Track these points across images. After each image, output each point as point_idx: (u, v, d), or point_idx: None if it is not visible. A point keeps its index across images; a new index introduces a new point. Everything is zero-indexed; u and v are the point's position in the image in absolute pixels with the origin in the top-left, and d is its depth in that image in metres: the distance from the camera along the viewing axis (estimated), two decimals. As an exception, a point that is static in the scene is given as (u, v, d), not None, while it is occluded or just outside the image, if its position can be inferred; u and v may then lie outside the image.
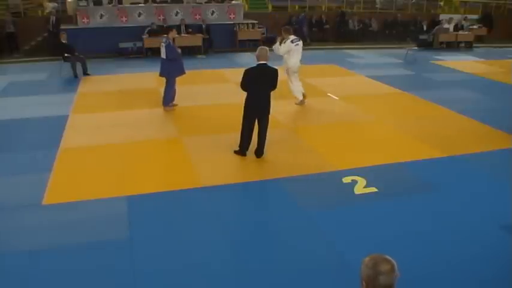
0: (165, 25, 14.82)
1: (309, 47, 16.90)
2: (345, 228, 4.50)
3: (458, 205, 4.99)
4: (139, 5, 15.33)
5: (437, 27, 17.38)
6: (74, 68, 11.28)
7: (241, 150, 6.23)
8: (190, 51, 14.21)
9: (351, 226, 4.54)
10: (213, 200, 5.07)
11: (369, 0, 20.32)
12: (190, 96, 8.37)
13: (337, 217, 4.71)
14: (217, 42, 15.29)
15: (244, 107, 6.02)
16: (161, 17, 15.06)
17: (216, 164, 6.02)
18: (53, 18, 14.44)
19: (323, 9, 19.37)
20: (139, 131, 7.35)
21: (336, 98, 9.46)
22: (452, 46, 17.24)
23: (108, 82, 10.88)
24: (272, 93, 6.06)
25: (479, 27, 18.46)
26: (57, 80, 11.18)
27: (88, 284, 3.67)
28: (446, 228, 4.52)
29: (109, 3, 15.18)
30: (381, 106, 8.95)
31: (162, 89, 8.57)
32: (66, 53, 11.45)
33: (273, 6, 19.11)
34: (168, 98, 8.39)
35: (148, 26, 14.40)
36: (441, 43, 17.27)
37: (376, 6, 20.45)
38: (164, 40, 8.20)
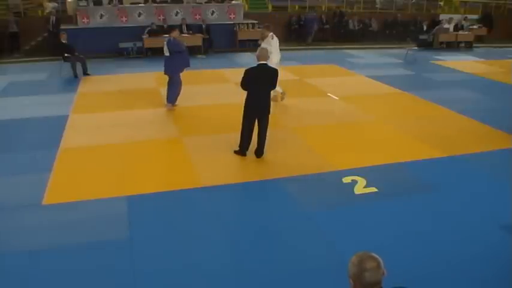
0: (165, 25, 14.83)
1: (309, 47, 16.95)
2: (345, 228, 4.50)
3: (458, 205, 4.99)
4: (139, 5, 15.33)
5: (437, 27, 17.39)
6: (74, 68, 11.28)
7: (241, 150, 6.23)
8: (190, 51, 14.13)
9: (351, 226, 4.54)
10: (213, 200, 5.07)
11: (369, 0, 20.33)
12: (191, 96, 8.37)
13: (337, 217, 4.71)
14: (217, 42, 15.29)
15: (244, 107, 6.02)
16: (161, 17, 15.06)
17: (216, 164, 6.02)
18: (53, 18, 14.44)
19: (323, 9, 19.37)
20: (140, 131, 7.35)
21: (336, 98, 9.46)
22: (452, 46, 17.25)
23: (108, 82, 10.87)
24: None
25: (479, 27, 18.46)
26: (57, 80, 11.18)
27: (88, 284, 3.67)
28: (446, 228, 4.52)
29: (109, 3, 15.18)
30: (381, 106, 8.95)
31: (162, 89, 8.58)
32: (66, 53, 11.45)
33: (273, 6, 19.12)
34: (173, 96, 8.41)
35: (148, 26, 14.40)
36: (441, 43, 17.28)
37: (376, 6, 20.46)
38: (167, 40, 8.27)
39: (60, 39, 11.63)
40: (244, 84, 5.90)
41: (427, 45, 16.63)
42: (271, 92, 6.19)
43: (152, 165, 6.03)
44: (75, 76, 11.24)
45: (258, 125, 6.11)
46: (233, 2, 16.43)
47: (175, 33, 8.48)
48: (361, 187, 5.36)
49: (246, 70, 5.91)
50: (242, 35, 15.69)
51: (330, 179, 5.60)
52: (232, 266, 3.94)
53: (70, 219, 4.64)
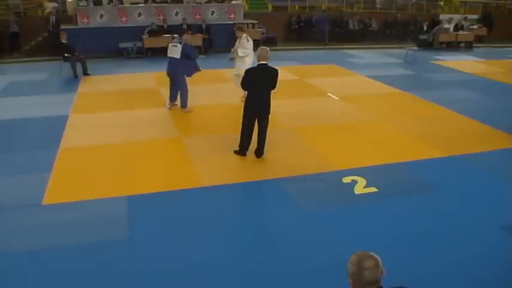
0: (165, 25, 14.85)
1: (309, 47, 16.95)
2: (345, 228, 4.50)
3: (458, 205, 4.99)
4: (139, 5, 15.33)
5: (437, 27, 17.39)
6: (74, 68, 11.28)
7: (241, 150, 6.23)
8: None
9: (351, 226, 4.54)
10: (213, 200, 5.07)
11: (369, 0, 20.33)
12: (191, 96, 8.36)
13: (337, 217, 4.71)
14: (217, 42, 15.28)
15: (244, 106, 6.03)
16: (161, 17, 15.06)
17: (216, 164, 6.01)
18: (53, 18, 14.45)
19: (323, 9, 19.36)
20: (140, 131, 7.35)
21: (336, 98, 9.45)
22: (452, 46, 17.25)
23: (108, 82, 10.88)
24: (272, 93, 6.06)
25: (479, 27, 18.47)
26: (57, 80, 11.18)
27: (88, 284, 3.67)
28: (446, 228, 4.52)
29: (109, 3, 15.18)
30: (381, 106, 8.95)
31: (162, 89, 8.55)
32: (66, 53, 11.45)
33: (273, 6, 19.11)
34: (186, 100, 8.28)
35: (148, 26, 14.40)
36: (441, 43, 17.28)
37: (376, 6, 20.46)
38: (178, 41, 8.18)
39: (60, 39, 11.64)
40: (245, 84, 5.91)
41: (427, 45, 16.64)
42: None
43: (152, 165, 6.02)
44: (75, 76, 11.25)
45: (258, 125, 6.11)
46: (233, 2, 16.43)
47: (188, 37, 8.45)
48: (361, 187, 5.36)
49: (246, 70, 5.92)
50: (242, 35, 15.67)
51: (330, 179, 5.60)
52: (232, 266, 3.94)
53: (70, 219, 4.63)
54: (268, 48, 5.94)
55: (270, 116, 6.10)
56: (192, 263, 3.93)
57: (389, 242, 4.22)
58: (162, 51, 8.38)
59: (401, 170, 5.90)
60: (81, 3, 14.66)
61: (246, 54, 8.44)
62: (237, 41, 8.63)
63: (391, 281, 2.11)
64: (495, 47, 18.01)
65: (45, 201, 5.00)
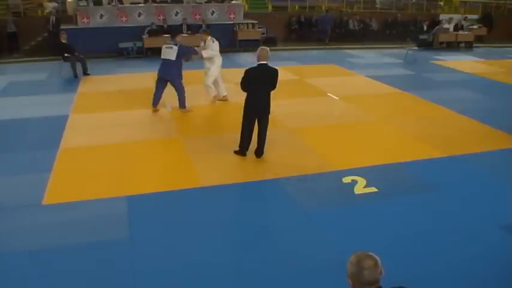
0: (165, 25, 14.84)
1: (309, 47, 16.95)
2: (345, 228, 4.50)
3: (458, 205, 4.99)
4: (139, 5, 15.33)
5: (437, 27, 17.39)
6: (74, 68, 11.28)
7: (241, 150, 6.23)
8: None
9: (351, 226, 4.54)
10: (212, 200, 5.07)
11: (369, 0, 20.33)
12: (190, 96, 8.36)
13: (337, 217, 4.71)
14: (217, 42, 15.28)
15: (244, 106, 6.02)
16: (161, 17, 15.07)
17: (216, 164, 6.01)
18: (53, 18, 14.45)
19: (323, 9, 19.36)
20: (140, 131, 7.35)
21: (336, 98, 9.45)
22: (452, 46, 17.25)
23: (108, 82, 10.88)
24: (272, 93, 6.05)
25: (479, 27, 18.46)
26: (57, 80, 11.18)
27: (88, 284, 3.67)
28: (446, 228, 4.52)
29: (109, 3, 15.17)
30: (380, 106, 8.94)
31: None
32: (66, 53, 11.45)
33: (273, 6, 19.12)
34: (184, 100, 8.23)
35: (148, 26, 14.40)
36: (441, 43, 17.27)
37: (376, 6, 20.46)
38: (173, 42, 8.11)
39: (60, 39, 11.63)
40: (244, 84, 5.89)
41: (427, 45, 16.63)
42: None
43: (152, 165, 6.02)
44: (75, 76, 11.25)
45: (258, 125, 6.11)
46: (233, 2, 16.42)
47: (181, 38, 8.45)
48: (361, 187, 5.36)
49: (246, 70, 5.90)
50: (242, 35, 15.70)
51: (330, 179, 5.60)
52: (232, 266, 3.94)
53: (70, 219, 4.63)
54: (268, 48, 5.94)
55: (270, 116, 6.10)
56: (192, 263, 3.93)
57: (389, 242, 4.22)
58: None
59: (401, 170, 5.90)
60: (81, 3, 14.65)
61: (211, 56, 8.49)
62: (202, 43, 8.65)
63: (391, 281, 2.11)
64: (495, 47, 18.01)
65: (45, 201, 5.00)
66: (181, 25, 14.71)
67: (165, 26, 14.83)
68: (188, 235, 4.37)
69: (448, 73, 12.53)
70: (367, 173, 5.70)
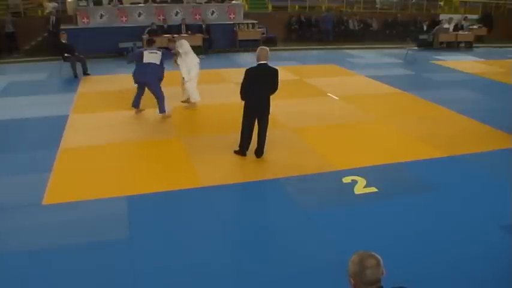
0: (165, 25, 14.85)
1: (309, 47, 16.96)
2: (345, 228, 4.50)
3: (459, 205, 4.99)
4: (139, 5, 15.33)
5: (437, 27, 17.39)
6: (74, 68, 11.29)
7: (241, 150, 6.23)
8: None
9: (351, 226, 4.54)
10: (212, 200, 5.07)
11: (369, 0, 20.33)
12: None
13: (337, 217, 4.71)
14: (217, 42, 15.30)
15: (244, 106, 6.02)
16: (161, 17, 15.06)
17: (216, 164, 6.01)
18: (53, 18, 14.44)
19: (323, 9, 19.38)
20: (139, 130, 7.35)
21: (336, 98, 9.46)
22: (452, 46, 17.25)
23: (108, 82, 10.87)
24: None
25: (479, 27, 18.47)
26: (57, 80, 11.18)
27: (88, 284, 3.67)
28: (446, 228, 4.52)
29: (109, 3, 15.18)
30: (381, 106, 8.94)
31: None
32: (66, 53, 11.46)
33: (273, 6, 19.12)
34: (164, 104, 7.95)
35: (148, 26, 14.39)
36: (441, 43, 17.28)
37: (376, 6, 20.46)
38: (156, 48, 7.96)
39: (60, 39, 11.64)
40: (244, 84, 5.85)
41: (427, 45, 16.63)
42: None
43: (152, 165, 6.02)
44: (75, 76, 11.25)
45: (258, 125, 6.10)
46: (233, 2, 16.43)
47: (174, 45, 8.29)
48: (361, 187, 5.36)
49: (246, 70, 5.89)
50: (242, 35, 15.70)
51: (330, 179, 5.60)
52: (232, 266, 3.94)
53: (70, 219, 4.63)
54: (267, 48, 5.93)
55: (269, 116, 6.10)
56: (191, 263, 3.93)
57: (389, 242, 4.22)
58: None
59: (401, 170, 5.90)
60: (81, 3, 14.67)
61: (191, 77, 8.26)
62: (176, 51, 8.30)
63: (392, 281, 2.11)
64: (495, 47, 18.01)
65: (45, 201, 5.00)
66: (180, 25, 14.72)
67: (165, 26, 14.84)
68: (188, 235, 4.38)
69: (448, 73, 12.53)
70: (367, 173, 5.70)
